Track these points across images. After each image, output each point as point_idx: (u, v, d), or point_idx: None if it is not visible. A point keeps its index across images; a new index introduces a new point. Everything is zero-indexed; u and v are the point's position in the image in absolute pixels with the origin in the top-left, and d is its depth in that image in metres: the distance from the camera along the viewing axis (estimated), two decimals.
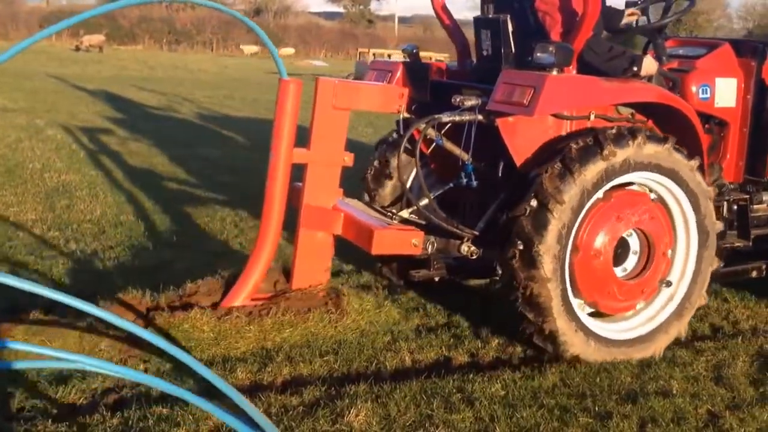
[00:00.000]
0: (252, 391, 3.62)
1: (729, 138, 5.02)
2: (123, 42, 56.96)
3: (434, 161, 4.63)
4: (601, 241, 4.22)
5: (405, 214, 4.68)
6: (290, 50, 53.85)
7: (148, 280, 4.76)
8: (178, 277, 4.75)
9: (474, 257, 4.36)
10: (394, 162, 4.97)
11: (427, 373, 3.93)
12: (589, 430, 3.49)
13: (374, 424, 3.38)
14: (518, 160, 4.20)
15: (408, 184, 4.99)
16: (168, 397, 3.48)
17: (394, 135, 5.07)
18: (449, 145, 4.42)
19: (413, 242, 4.28)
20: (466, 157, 4.37)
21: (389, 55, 28.90)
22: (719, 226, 4.58)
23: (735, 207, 4.92)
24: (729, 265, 4.87)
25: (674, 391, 3.93)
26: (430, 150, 4.54)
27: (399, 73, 4.87)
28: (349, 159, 4.51)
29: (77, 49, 40.91)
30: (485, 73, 4.62)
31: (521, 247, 4.01)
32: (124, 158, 9.61)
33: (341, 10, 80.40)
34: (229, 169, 9.40)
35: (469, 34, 5.11)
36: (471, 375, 3.95)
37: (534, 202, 3.99)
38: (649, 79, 4.56)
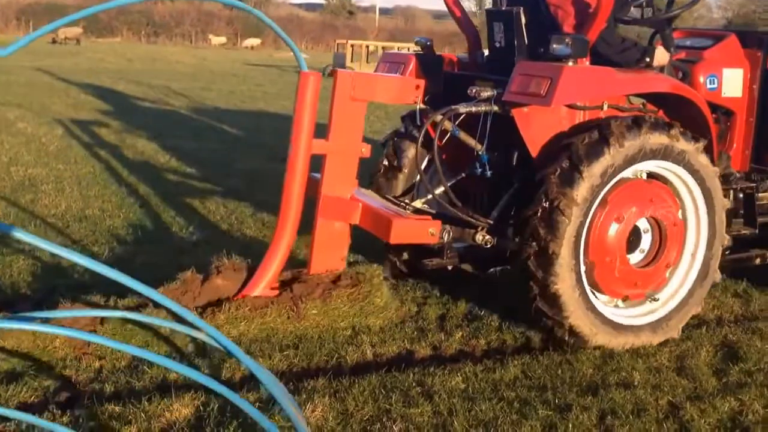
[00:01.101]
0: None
1: (735, 127, 5.12)
2: (101, 34, 56.41)
3: (445, 152, 4.68)
4: (614, 231, 4.30)
5: (418, 204, 4.79)
6: (256, 41, 53.55)
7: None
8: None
9: (488, 246, 4.46)
10: (405, 153, 5.10)
11: (388, 367, 3.90)
12: (548, 423, 3.46)
13: (331, 419, 3.34)
14: (533, 150, 4.30)
15: (419, 175, 5.04)
16: (121, 395, 3.44)
17: (403, 128, 5.17)
18: (464, 136, 4.50)
19: (430, 231, 4.37)
20: (480, 147, 4.47)
21: (367, 47, 28.83)
22: (727, 203, 4.65)
23: (741, 195, 5.01)
24: (733, 253, 4.95)
25: (636, 383, 3.92)
26: (443, 141, 4.60)
27: (412, 65, 4.92)
28: (366, 150, 4.59)
29: (54, 41, 40.44)
30: (498, 65, 4.73)
31: (536, 248, 4.09)
32: (93, 151, 9.49)
33: (322, 1, 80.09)
34: (199, 161, 9.31)
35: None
36: (432, 368, 3.92)
37: (545, 203, 4.08)
38: (661, 69, 4.64)
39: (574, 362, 4.12)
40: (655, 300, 4.55)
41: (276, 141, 11.44)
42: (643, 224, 4.46)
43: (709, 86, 4.93)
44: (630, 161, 4.21)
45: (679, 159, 4.37)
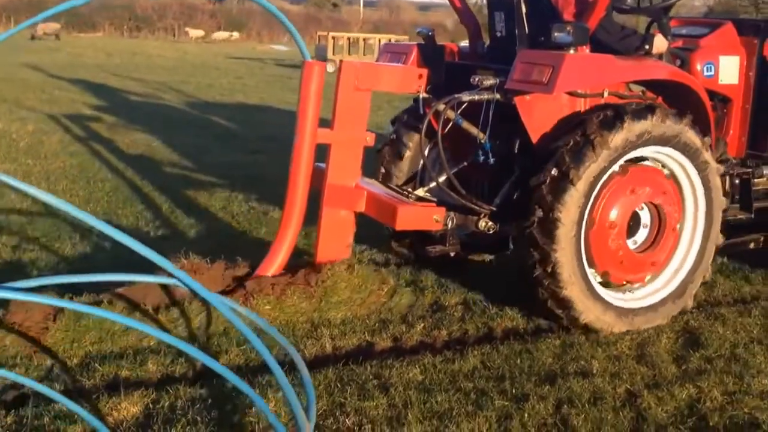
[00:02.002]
0: (162, 384, 3.53)
1: (732, 114, 5.19)
2: (83, 29, 55.91)
3: (447, 141, 4.69)
4: (616, 213, 4.39)
5: (420, 192, 4.87)
6: (234, 34, 53.29)
7: (65, 273, 4.63)
8: (100, 269, 4.62)
9: (491, 232, 4.55)
10: (407, 142, 5.20)
11: (346, 360, 3.87)
12: (503, 413, 3.45)
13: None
14: (534, 137, 4.37)
15: (421, 164, 5.20)
16: (70, 394, 3.38)
17: (405, 116, 5.24)
18: (466, 124, 4.57)
19: (435, 218, 4.47)
20: (482, 135, 4.54)
21: (349, 38, 28.66)
22: (726, 202, 4.76)
23: (737, 181, 5.08)
24: (729, 238, 4.98)
25: (594, 371, 3.91)
26: (445, 129, 4.61)
27: (413, 55, 4.99)
28: (370, 139, 4.65)
29: (33, 37, 40.04)
30: (499, 54, 4.82)
31: (540, 215, 4.17)
32: (63, 146, 9.38)
33: None
34: (170, 155, 9.24)
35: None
36: (390, 360, 3.89)
37: (555, 171, 4.15)
38: (660, 57, 4.69)
39: (534, 351, 4.11)
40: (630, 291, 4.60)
41: (250, 133, 11.40)
42: (643, 212, 4.55)
43: (706, 74, 4.99)
44: (640, 143, 4.29)
45: (685, 149, 4.45)
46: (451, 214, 4.52)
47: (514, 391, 3.64)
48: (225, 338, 4.04)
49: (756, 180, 5.17)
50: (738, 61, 5.12)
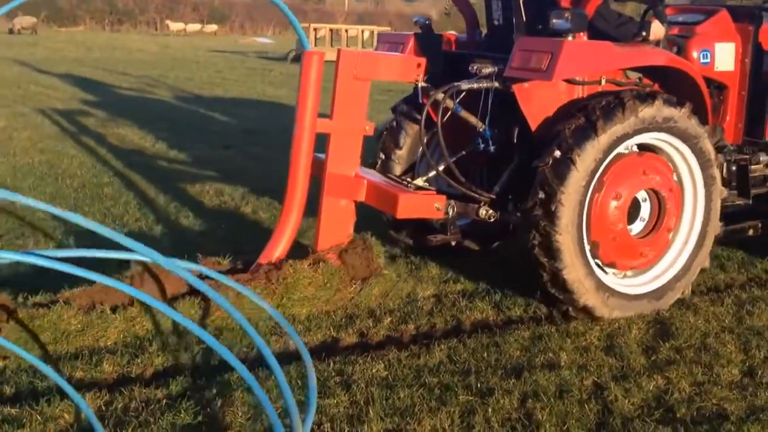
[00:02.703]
0: (117, 385, 3.44)
1: (728, 101, 5.17)
2: (63, 24, 55.44)
3: (444, 129, 4.64)
4: (616, 198, 4.39)
5: (419, 182, 4.85)
6: (211, 26, 53.01)
7: (23, 271, 4.52)
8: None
9: (492, 220, 4.58)
10: (405, 131, 5.21)
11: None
12: (467, 408, 3.38)
13: (240, 415, 3.22)
14: (533, 125, 4.39)
15: (420, 153, 5.19)
16: (20, 397, 3.30)
17: (403, 105, 5.24)
18: (465, 113, 4.58)
19: (436, 206, 4.46)
20: (480, 125, 4.56)
21: (330, 30, 28.48)
22: (725, 192, 4.77)
23: (734, 168, 5.10)
24: (727, 225, 4.98)
25: (562, 363, 3.84)
26: (444, 118, 4.59)
27: (411, 45, 5.01)
28: (370, 128, 4.63)
29: (11, 32, 39.62)
30: (497, 43, 4.85)
31: (542, 196, 4.18)
32: (33, 142, 9.23)
33: None
34: (142, 150, 9.12)
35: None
36: (354, 356, 3.82)
37: (557, 153, 4.16)
38: (657, 43, 4.69)
39: (502, 344, 4.04)
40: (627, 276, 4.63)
41: (224, 128, 11.28)
42: (643, 197, 4.57)
43: (702, 61, 4.98)
44: (642, 129, 4.31)
45: (686, 136, 4.47)
46: (452, 202, 4.51)
47: (479, 385, 3.57)
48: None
49: (753, 166, 5.17)
50: (733, 48, 5.11)
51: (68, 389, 2.99)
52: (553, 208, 4.16)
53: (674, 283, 4.64)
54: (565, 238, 4.18)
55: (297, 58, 27.30)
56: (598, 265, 4.45)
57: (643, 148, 4.57)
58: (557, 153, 4.18)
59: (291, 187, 4.54)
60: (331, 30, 28.43)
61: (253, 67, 24.42)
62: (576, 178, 4.16)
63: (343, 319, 4.32)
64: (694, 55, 4.97)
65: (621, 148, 4.35)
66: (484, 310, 4.55)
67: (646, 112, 4.28)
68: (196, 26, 51.40)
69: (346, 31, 28.36)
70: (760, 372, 3.82)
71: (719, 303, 4.71)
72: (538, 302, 4.64)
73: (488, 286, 4.93)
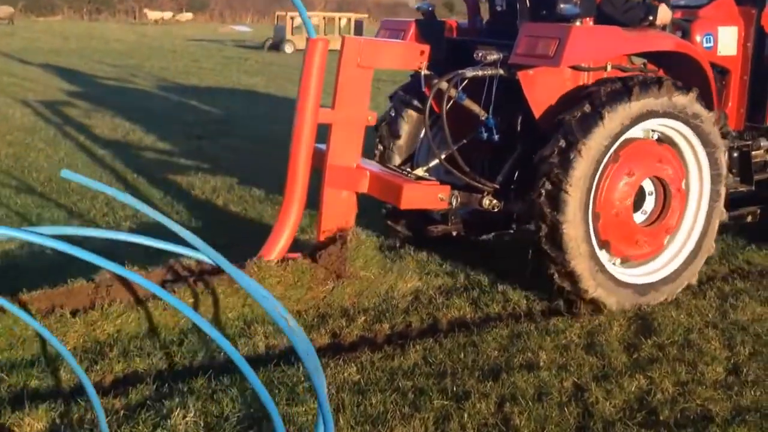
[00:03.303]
0: (73, 394, 3.26)
1: (730, 86, 5.09)
2: (41, 13, 54.75)
3: (446, 118, 4.53)
4: (622, 187, 4.30)
5: (420, 172, 4.76)
6: (187, 14, 52.50)
7: None
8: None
9: (495, 210, 4.50)
10: (405, 120, 5.11)
11: (278, 361, 3.62)
12: (442, 414, 3.23)
13: (202, 425, 3.05)
14: (537, 112, 4.30)
15: (419, 142, 5.13)
16: None
17: (402, 93, 5.15)
18: (468, 102, 4.48)
19: (440, 197, 4.38)
20: (483, 114, 4.46)
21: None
22: (730, 178, 4.75)
23: (736, 153, 5.01)
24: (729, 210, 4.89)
25: (541, 363, 3.70)
26: (447, 107, 4.49)
27: (411, 32, 4.91)
28: (372, 118, 4.54)
29: None
30: (500, 29, 4.77)
31: (549, 187, 4.10)
32: (0, 135, 8.97)
33: None
34: (112, 142, 8.90)
35: None
36: (326, 359, 3.65)
37: (562, 143, 4.08)
38: (663, 28, 4.60)
39: (479, 344, 3.89)
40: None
41: (198, 118, 11.05)
42: (649, 186, 4.49)
43: (705, 45, 4.90)
44: (647, 116, 4.23)
45: (692, 123, 4.39)
46: (455, 192, 4.43)
47: (455, 388, 3.43)
48: (149, 341, 3.77)
49: (755, 152, 5.12)
50: (736, 32, 5.02)
51: None
52: (559, 198, 4.07)
53: (681, 273, 4.56)
54: (572, 228, 4.09)
55: (274, 46, 27.04)
56: (607, 259, 4.38)
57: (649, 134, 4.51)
58: (562, 142, 4.08)
59: (291, 179, 4.40)
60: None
61: (230, 55, 24.13)
62: (582, 166, 4.06)
63: (315, 319, 4.15)
64: (698, 38, 4.88)
65: (625, 137, 4.25)
66: (461, 307, 4.40)
67: (654, 98, 4.19)
68: (170, 14, 50.82)
69: (324, 18, 28.06)
70: (745, 369, 3.70)
71: (701, 296, 4.59)
72: (516, 298, 4.51)
73: (467, 281, 4.79)
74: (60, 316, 3.65)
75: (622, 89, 4.17)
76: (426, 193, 4.39)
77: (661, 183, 4.49)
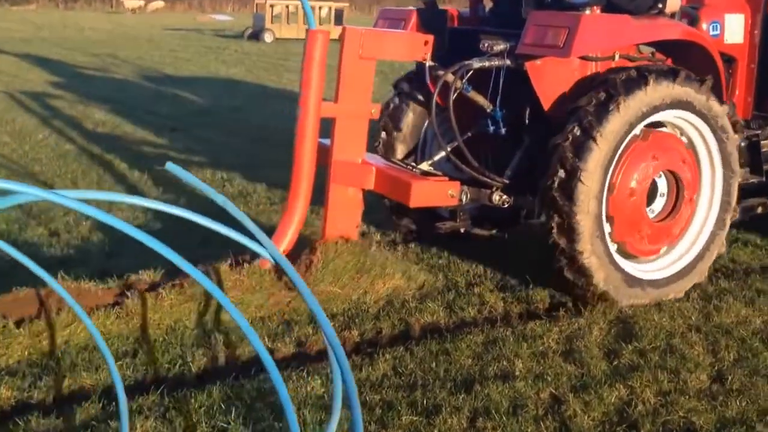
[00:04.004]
0: (15, 413, 3.03)
1: (737, 74, 4.97)
2: (16, 2, 53.85)
3: (449, 110, 4.39)
4: (635, 179, 4.19)
5: (425, 166, 4.65)
6: (159, 3, 51.92)
7: None
8: None
9: (506, 206, 4.39)
10: (407, 112, 4.97)
11: (238, 373, 3.40)
12: (410, 430, 3.03)
13: None
14: (546, 104, 4.18)
15: (422, 135, 5.01)
16: None
17: (404, 84, 5.00)
18: (474, 94, 4.36)
19: (450, 193, 4.26)
20: (489, 106, 4.35)
21: (287, 6, 27.76)
22: (742, 173, 4.62)
23: (745, 144, 4.83)
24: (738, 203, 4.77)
25: (517, 373, 3.51)
26: (450, 100, 4.35)
27: (413, 21, 4.76)
28: (376, 111, 4.45)
29: None
30: (504, 17, 4.64)
31: (562, 175, 3.98)
32: None
33: None
34: (85, 134, 8.61)
35: None
36: (289, 371, 3.43)
37: (577, 130, 3.95)
38: (672, 15, 4.50)
39: (452, 351, 3.69)
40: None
41: (172, 109, 10.78)
42: (661, 180, 4.38)
43: (712, 33, 4.76)
44: (663, 106, 4.14)
45: (693, 106, 4.26)
46: (465, 188, 4.30)
47: (425, 402, 3.22)
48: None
49: (764, 142, 4.98)
50: (743, 19, 4.89)
51: None
52: (573, 187, 3.93)
53: (691, 269, 4.45)
54: (585, 219, 3.96)
55: (253, 36, 26.68)
56: (618, 253, 4.27)
57: (661, 126, 4.40)
58: (577, 130, 3.95)
59: (296, 175, 4.26)
60: (287, 6, 27.71)
61: (209, 45, 23.76)
62: (597, 155, 3.93)
63: (280, 326, 3.93)
64: (704, 26, 4.73)
65: (639, 128, 4.14)
66: (435, 311, 4.19)
67: (666, 88, 4.08)
68: (140, 2, 50.11)
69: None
70: (730, 377, 3.52)
71: (684, 298, 4.41)
72: (493, 300, 4.33)
73: (444, 283, 4.58)
74: (3, 327, 3.41)
75: (638, 78, 4.05)
76: (436, 190, 4.26)
77: (674, 178, 4.36)
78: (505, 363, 3.60)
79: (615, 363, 3.65)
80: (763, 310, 4.26)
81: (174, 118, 10.03)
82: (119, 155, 7.70)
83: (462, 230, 4.65)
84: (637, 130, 4.13)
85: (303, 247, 4.37)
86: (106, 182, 6.65)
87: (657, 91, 4.06)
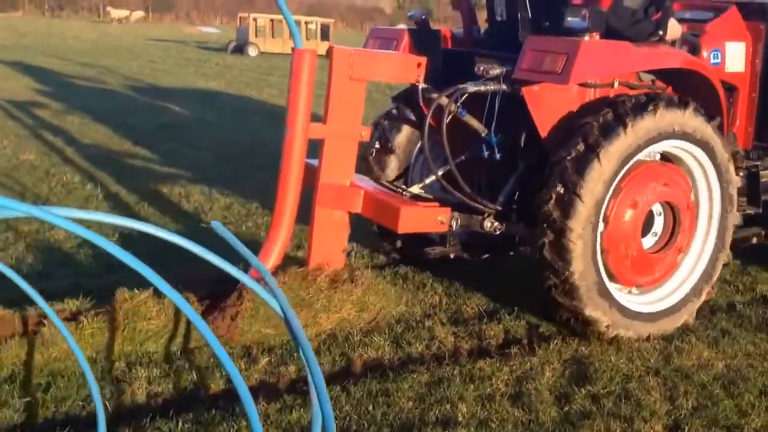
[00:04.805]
0: None
1: (738, 104, 4.88)
2: (2, 9, 53.52)
3: (441, 134, 4.25)
4: (633, 206, 4.08)
5: (415, 189, 4.57)
6: (139, 13, 51.78)
7: None
8: None
9: (497, 233, 4.28)
10: (398, 136, 4.91)
11: (156, 413, 3.14)
12: None
13: None
14: (542, 131, 4.08)
15: (413, 159, 4.94)
16: None
17: (394, 109, 4.96)
18: (469, 118, 4.26)
19: (439, 219, 4.16)
20: (483, 130, 4.26)
21: (272, 20, 27.60)
22: (738, 180, 4.50)
23: (744, 173, 4.76)
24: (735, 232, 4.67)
25: (460, 418, 3.27)
26: (444, 123, 4.21)
27: (405, 42, 4.63)
28: (366, 133, 4.32)
29: None
30: (500, 40, 4.54)
31: (560, 190, 3.86)
32: None
33: None
34: (40, 146, 8.33)
35: None
36: (214, 411, 3.18)
37: (581, 146, 3.86)
38: (673, 43, 4.40)
39: (393, 393, 3.45)
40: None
41: (140, 122, 10.52)
42: (657, 209, 4.26)
43: (713, 61, 4.67)
44: (668, 135, 4.05)
45: (699, 140, 4.18)
46: (456, 214, 4.19)
47: None
48: (7, 385, 3.26)
49: (763, 172, 4.87)
50: (744, 48, 4.79)
51: None
52: (570, 203, 3.82)
53: (681, 306, 4.32)
54: (579, 237, 3.84)
55: (237, 49, 26.48)
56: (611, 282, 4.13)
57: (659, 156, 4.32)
58: (581, 146, 3.85)
59: (281, 197, 4.12)
60: (272, 20, 27.55)
61: (190, 57, 23.54)
62: (598, 173, 3.82)
63: (211, 360, 3.67)
64: (705, 54, 4.62)
65: (643, 155, 4.05)
66: (380, 346, 3.95)
67: (673, 117, 4.00)
68: (125, 12, 49.96)
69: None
70: (686, 427, 3.30)
71: (645, 338, 4.19)
72: (443, 335, 4.09)
73: (396, 315, 4.32)
74: None
75: (647, 103, 3.97)
76: (425, 216, 4.14)
77: (670, 208, 4.26)
78: (448, 407, 3.36)
79: (566, 409, 3.42)
80: (726, 353, 4.05)
81: (141, 130, 9.78)
82: (74, 167, 7.44)
83: (452, 256, 4.49)
84: (641, 155, 4.03)
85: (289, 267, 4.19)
86: (55, 195, 6.38)
87: (665, 118, 3.98)
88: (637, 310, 4.20)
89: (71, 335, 3.12)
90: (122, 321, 3.56)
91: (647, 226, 4.24)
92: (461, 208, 4.23)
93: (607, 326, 4.03)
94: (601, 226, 3.96)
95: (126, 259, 1.97)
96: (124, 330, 3.58)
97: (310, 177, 4.23)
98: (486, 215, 4.25)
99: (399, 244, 4.94)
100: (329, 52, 4.13)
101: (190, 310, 2.14)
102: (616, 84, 4.20)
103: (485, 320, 4.33)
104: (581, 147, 3.87)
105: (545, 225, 3.90)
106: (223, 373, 3.55)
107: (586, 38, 3.92)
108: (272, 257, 4.11)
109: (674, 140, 4.10)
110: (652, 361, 3.92)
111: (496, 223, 4.26)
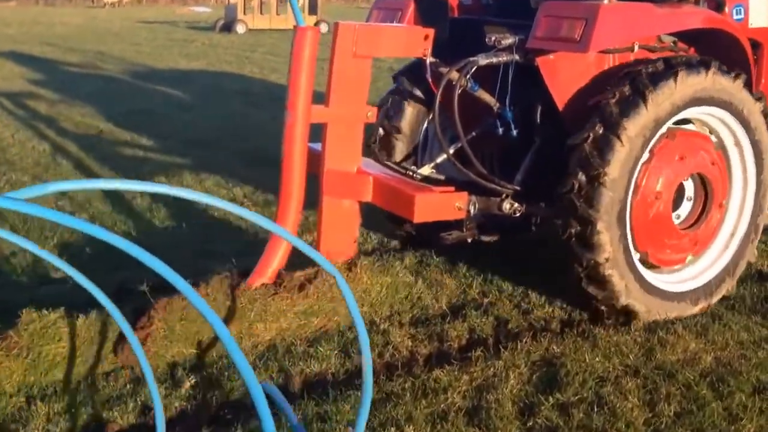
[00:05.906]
0: None
1: (763, 61, 4.56)
2: None
3: (450, 110, 3.98)
4: (661, 182, 3.83)
5: (425, 170, 4.37)
6: None
7: None
8: None
9: (517, 214, 4.04)
10: (405, 114, 4.63)
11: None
12: None
13: None
14: (559, 102, 3.84)
15: (422, 137, 4.70)
16: None
17: (400, 86, 4.67)
18: (481, 92, 4.03)
19: (457, 205, 3.90)
20: (497, 105, 4.04)
21: None
22: None
23: None
24: None
25: None
26: (451, 98, 3.93)
27: (410, 11, 4.39)
28: (372, 114, 4.06)
29: None
30: (511, 6, 4.34)
31: (582, 178, 3.60)
32: None
33: None
34: (9, 135, 7.91)
35: None
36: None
37: (600, 128, 3.60)
38: (697, 2, 4.21)
39: (332, 414, 3.00)
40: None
41: (108, 108, 10.07)
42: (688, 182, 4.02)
43: (736, 17, 4.39)
44: (693, 102, 3.78)
45: (738, 111, 3.94)
46: (473, 198, 3.93)
47: None
48: None
49: None
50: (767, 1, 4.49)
51: None
52: (594, 192, 3.57)
53: (719, 281, 4.08)
54: (606, 225, 3.59)
55: (225, 27, 25.85)
56: (642, 263, 3.89)
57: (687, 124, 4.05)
58: (599, 128, 3.59)
59: (285, 186, 3.85)
60: None
61: (176, 38, 22.97)
62: (622, 155, 3.56)
63: (127, 385, 3.22)
64: (727, 10, 4.32)
65: (667, 126, 3.77)
66: (326, 358, 3.50)
67: (697, 82, 3.72)
68: None
69: None
70: None
71: (625, 330, 3.74)
72: (398, 340, 3.65)
73: (345, 319, 3.87)
74: None
75: (667, 70, 3.68)
76: (442, 203, 3.88)
77: (702, 182, 4.01)
78: (392, 430, 2.92)
79: (529, 424, 2.98)
80: (716, 343, 3.60)
81: (107, 116, 9.33)
82: (33, 162, 7.04)
83: (469, 240, 4.25)
84: (664, 128, 3.74)
85: (298, 261, 3.80)
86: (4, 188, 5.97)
87: (687, 84, 3.68)
88: (674, 290, 3.96)
89: None
90: (26, 346, 3.13)
91: (678, 200, 4.01)
92: (476, 190, 3.97)
93: (647, 312, 3.79)
94: (628, 209, 3.70)
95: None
96: (27, 356, 3.15)
97: (315, 163, 3.95)
98: (504, 196, 3.99)
99: (411, 227, 4.61)
100: (334, 28, 3.84)
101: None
102: (636, 48, 3.89)
103: (449, 319, 3.89)
104: (600, 128, 3.59)
105: (570, 216, 3.64)
106: (139, 400, 3.13)
107: (606, 1, 3.64)
108: (279, 253, 3.81)
109: (699, 106, 3.81)
110: (631, 357, 3.47)
111: (516, 204, 4.01)
